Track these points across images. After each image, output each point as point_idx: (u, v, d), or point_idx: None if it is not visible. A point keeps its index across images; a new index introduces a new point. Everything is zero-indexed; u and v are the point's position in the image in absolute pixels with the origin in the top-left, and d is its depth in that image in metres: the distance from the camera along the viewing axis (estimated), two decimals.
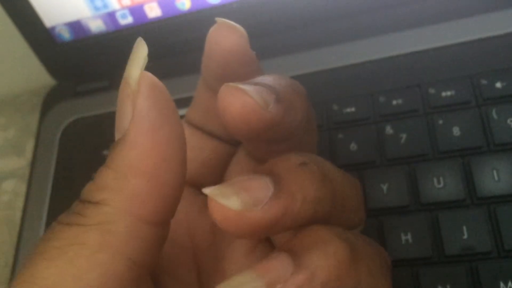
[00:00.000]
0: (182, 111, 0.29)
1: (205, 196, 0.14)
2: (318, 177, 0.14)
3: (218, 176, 0.19)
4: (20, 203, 0.32)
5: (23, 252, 0.29)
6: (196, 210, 0.18)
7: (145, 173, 0.13)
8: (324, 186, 0.14)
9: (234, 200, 0.13)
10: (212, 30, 0.16)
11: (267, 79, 0.15)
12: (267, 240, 0.18)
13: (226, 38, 0.16)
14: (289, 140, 0.16)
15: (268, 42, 0.31)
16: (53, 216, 0.29)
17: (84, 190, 0.14)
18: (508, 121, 0.23)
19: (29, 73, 0.36)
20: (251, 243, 0.18)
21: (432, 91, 0.25)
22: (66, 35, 0.32)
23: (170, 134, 0.14)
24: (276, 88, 0.15)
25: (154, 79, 0.14)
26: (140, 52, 0.14)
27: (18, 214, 0.32)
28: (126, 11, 0.30)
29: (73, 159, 0.31)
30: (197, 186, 0.19)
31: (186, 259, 0.18)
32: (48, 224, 0.29)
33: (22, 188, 0.33)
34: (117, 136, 0.14)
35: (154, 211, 0.13)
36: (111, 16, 0.31)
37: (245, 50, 0.16)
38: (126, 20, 0.31)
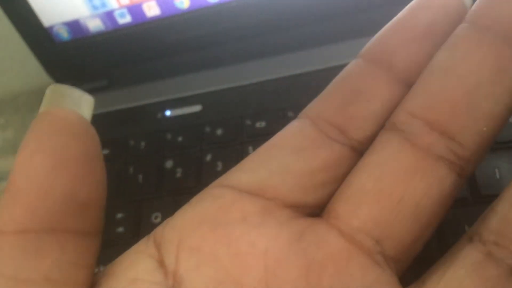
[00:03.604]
0: (181, 111, 0.29)
1: (305, 223, 0.13)
2: None
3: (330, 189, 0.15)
4: None
5: None
6: (284, 240, 0.13)
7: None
8: None
9: None
10: None
11: None
12: None
13: None
14: None
15: (268, 40, 0.30)
16: None
17: None
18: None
19: (28, 73, 0.36)
20: None
21: None
22: (64, 34, 0.32)
23: None
24: None
25: None
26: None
27: None
28: (125, 10, 0.30)
29: None
30: (298, 206, 0.14)
31: None
32: None
33: None
34: None
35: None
36: (109, 15, 0.31)
37: None
38: (125, 19, 0.31)
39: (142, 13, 0.30)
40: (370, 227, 0.13)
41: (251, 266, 0.13)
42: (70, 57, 0.33)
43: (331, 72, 0.17)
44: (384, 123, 0.15)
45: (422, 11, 0.15)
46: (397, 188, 0.13)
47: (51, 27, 0.31)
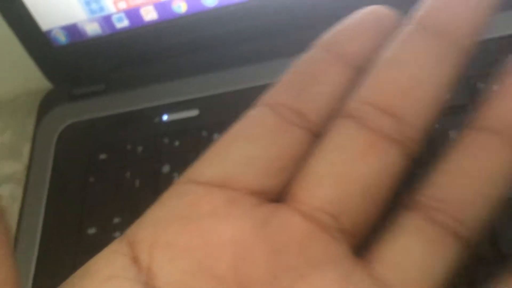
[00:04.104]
0: (178, 115, 0.30)
1: (269, 208, 0.14)
2: None
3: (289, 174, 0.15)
4: (17, 207, 0.32)
5: (19, 257, 0.29)
6: (250, 228, 0.14)
7: None
8: None
9: None
10: None
11: None
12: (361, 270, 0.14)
13: None
14: None
15: (266, 44, 0.31)
16: (49, 221, 0.29)
17: None
18: None
19: (26, 77, 0.36)
20: (336, 284, 0.14)
21: None
22: (62, 38, 0.32)
23: None
24: None
25: None
26: None
27: (15, 219, 0.32)
28: (122, 14, 0.30)
29: (70, 163, 0.31)
30: (259, 193, 0.15)
31: None
32: (44, 229, 0.29)
33: (19, 193, 0.32)
34: None
35: None
36: (107, 20, 0.31)
37: None
38: (122, 23, 0.31)
39: (139, 17, 0.30)
40: (328, 206, 0.14)
41: (221, 255, 0.14)
42: (68, 61, 0.33)
43: None
44: (338, 105, 0.16)
45: (371, 18, 0.17)
46: (351, 168, 0.14)
47: (49, 31, 0.31)
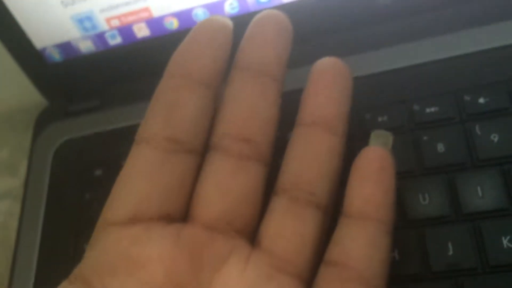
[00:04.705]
0: None
1: (178, 226, 0.19)
2: None
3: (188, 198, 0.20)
4: (15, 223, 0.33)
5: (18, 273, 0.29)
6: (169, 244, 0.18)
7: None
8: None
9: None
10: None
11: None
12: (260, 261, 0.19)
13: None
14: None
15: None
16: (46, 236, 0.29)
17: None
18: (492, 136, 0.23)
19: (22, 93, 0.36)
20: (240, 267, 0.18)
21: (416, 107, 0.25)
22: (56, 56, 0.32)
23: None
24: None
25: None
26: None
27: (13, 235, 0.32)
28: (115, 32, 0.31)
29: (66, 179, 0.31)
30: (166, 217, 0.19)
31: None
32: (42, 244, 0.29)
33: (17, 209, 0.33)
34: None
35: None
36: (100, 37, 0.31)
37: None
38: (115, 40, 0.31)
39: (132, 34, 0.31)
40: (221, 216, 0.19)
41: (155, 270, 0.18)
42: (63, 77, 0.33)
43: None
44: (204, 121, 0.20)
45: (204, 31, 0.20)
46: (230, 186, 0.19)
47: (43, 49, 0.32)
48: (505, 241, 0.21)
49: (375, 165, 0.19)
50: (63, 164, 0.31)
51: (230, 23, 0.21)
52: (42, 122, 0.34)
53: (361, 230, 0.18)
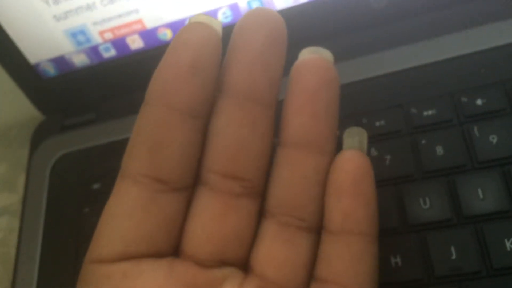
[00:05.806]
0: None
1: (169, 261, 0.18)
2: None
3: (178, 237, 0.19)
4: (15, 239, 0.32)
5: None
6: (161, 276, 0.18)
7: None
8: None
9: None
10: None
11: None
12: None
13: None
14: None
15: None
16: (47, 251, 0.29)
17: None
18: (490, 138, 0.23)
19: (18, 108, 0.36)
20: None
21: (414, 110, 0.25)
22: (51, 70, 0.32)
23: None
24: None
25: None
26: None
27: (13, 251, 0.32)
28: (109, 44, 0.31)
29: (64, 193, 0.31)
30: (156, 254, 0.18)
31: None
32: (42, 260, 0.29)
33: (16, 225, 0.33)
34: None
35: None
36: (94, 50, 0.31)
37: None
38: (109, 53, 0.31)
39: (126, 46, 0.31)
40: (211, 255, 0.18)
41: None
42: (58, 92, 0.33)
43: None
44: (192, 159, 0.18)
45: (183, 50, 0.17)
46: (217, 227, 0.18)
47: (37, 64, 0.32)
48: (508, 244, 0.21)
49: (352, 176, 0.18)
50: (61, 178, 0.31)
51: (218, 31, 0.18)
52: (39, 136, 0.34)
53: (344, 246, 0.18)
